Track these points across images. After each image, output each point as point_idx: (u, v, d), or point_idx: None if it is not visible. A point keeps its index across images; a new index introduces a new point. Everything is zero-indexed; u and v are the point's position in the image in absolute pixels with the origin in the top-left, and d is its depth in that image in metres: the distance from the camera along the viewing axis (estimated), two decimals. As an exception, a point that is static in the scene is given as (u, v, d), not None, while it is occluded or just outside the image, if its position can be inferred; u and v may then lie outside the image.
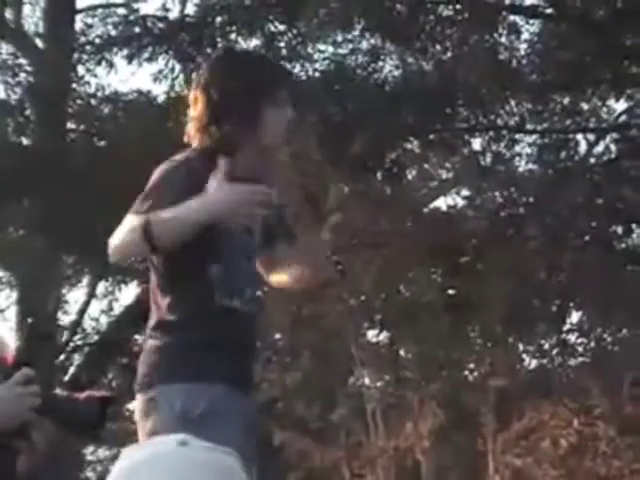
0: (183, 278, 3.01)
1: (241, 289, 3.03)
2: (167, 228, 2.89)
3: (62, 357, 13.11)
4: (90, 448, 15.41)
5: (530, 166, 11.26)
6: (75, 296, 14.24)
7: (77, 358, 13.50)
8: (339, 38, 11.23)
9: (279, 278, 3.23)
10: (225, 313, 2.98)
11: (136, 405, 2.97)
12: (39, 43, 12.90)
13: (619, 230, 10.60)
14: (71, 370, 13.04)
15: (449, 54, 10.69)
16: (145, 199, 2.98)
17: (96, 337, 13.90)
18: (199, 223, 2.89)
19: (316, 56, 11.31)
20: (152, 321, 3.02)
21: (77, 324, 13.97)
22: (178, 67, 11.14)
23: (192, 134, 3.07)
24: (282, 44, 11.08)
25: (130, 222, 2.96)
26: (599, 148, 11.55)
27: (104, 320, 14.11)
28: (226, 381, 2.91)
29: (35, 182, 10.73)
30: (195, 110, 3.05)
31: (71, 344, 13.58)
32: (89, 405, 2.64)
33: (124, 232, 2.96)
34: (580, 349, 9.84)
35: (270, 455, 8.24)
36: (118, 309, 13.85)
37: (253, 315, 3.09)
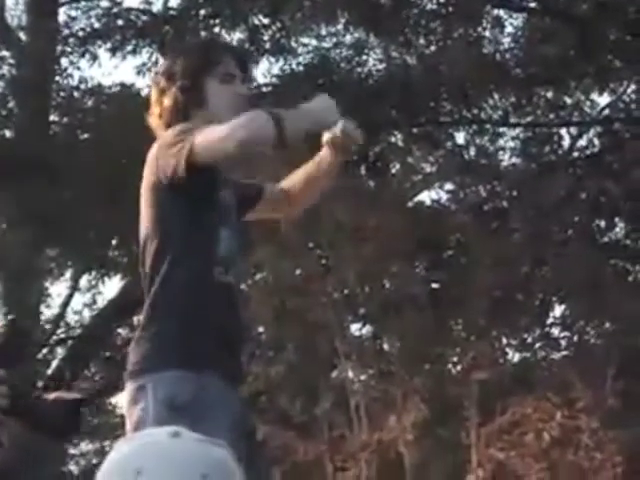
0: (192, 246, 2.95)
1: (234, 262, 3.01)
2: (295, 120, 2.87)
3: (45, 350, 13.08)
4: (73, 442, 15.39)
5: (514, 160, 11.29)
6: (58, 289, 14.23)
7: (60, 352, 13.48)
8: (323, 31, 11.23)
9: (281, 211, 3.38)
10: (221, 288, 2.97)
11: (125, 394, 2.95)
12: (22, 36, 12.85)
13: (602, 224, 10.63)
14: (54, 363, 13.02)
15: (433, 48, 10.70)
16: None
17: (79, 331, 13.88)
18: (317, 125, 2.96)
19: (300, 49, 11.30)
20: (144, 306, 2.98)
21: (60, 317, 13.95)
22: (161, 60, 11.10)
23: (151, 122, 3.14)
24: (266, 37, 11.06)
25: (248, 114, 2.84)
26: (582, 142, 11.59)
27: (87, 314, 14.10)
28: (215, 369, 2.90)
29: (18, 174, 10.69)
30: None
31: (54, 337, 13.56)
32: (57, 407, 2.61)
33: (249, 118, 2.81)
34: (563, 343, 9.87)
35: (256, 449, 8.24)
36: (101, 303, 13.84)
37: (240, 291, 3.09)
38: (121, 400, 2.99)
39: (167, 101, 3.07)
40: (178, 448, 1.54)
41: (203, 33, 10.84)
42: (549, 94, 11.37)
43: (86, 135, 11.94)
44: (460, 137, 11.40)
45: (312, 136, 3.04)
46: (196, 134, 2.85)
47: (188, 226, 2.92)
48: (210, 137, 2.83)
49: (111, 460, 1.59)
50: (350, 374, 9.23)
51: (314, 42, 11.34)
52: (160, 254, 2.95)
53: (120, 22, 11.19)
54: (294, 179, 3.34)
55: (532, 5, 11.24)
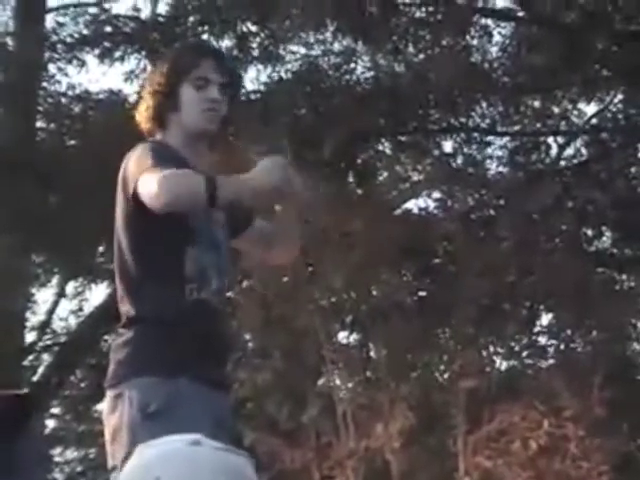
0: (156, 263, 2.96)
1: (208, 279, 3.01)
2: (230, 185, 2.87)
3: (31, 357, 13.03)
4: (58, 449, 15.33)
5: (501, 168, 11.30)
6: (44, 296, 14.16)
7: (46, 358, 13.43)
8: (311, 39, 11.23)
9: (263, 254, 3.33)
10: (193, 305, 2.97)
11: (104, 403, 2.96)
12: (9, 41, 12.82)
13: (589, 232, 10.65)
14: (40, 370, 12.97)
15: (421, 56, 10.71)
16: (155, 159, 2.89)
17: (65, 337, 13.83)
18: (258, 190, 2.90)
19: (288, 57, 11.29)
20: (120, 318, 3.01)
21: (46, 324, 13.90)
22: (149, 67, 11.10)
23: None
24: (254, 44, 11.05)
25: (180, 174, 2.84)
26: (570, 151, 11.61)
27: (73, 320, 14.05)
28: (190, 375, 2.89)
29: (4, 181, 10.65)
30: None
31: (40, 344, 13.51)
32: None
33: (178, 180, 2.82)
34: (550, 351, 9.88)
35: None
36: (88, 309, 13.80)
37: (219, 307, 3.08)
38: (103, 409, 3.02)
39: (143, 106, 3.11)
40: (197, 456, 1.54)
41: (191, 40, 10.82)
42: (536, 103, 11.40)
43: (73, 141, 11.91)
44: (448, 145, 11.42)
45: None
46: (143, 174, 2.86)
47: (153, 245, 2.93)
48: (145, 190, 2.85)
49: (131, 467, 1.58)
50: (337, 381, 9.23)
51: (302, 50, 11.34)
52: (129, 270, 2.97)
53: (108, 29, 11.17)
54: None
55: (520, 14, 11.26)
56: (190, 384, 2.87)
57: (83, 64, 11.60)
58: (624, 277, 10.86)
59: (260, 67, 11.18)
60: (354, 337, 9.87)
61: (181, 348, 2.90)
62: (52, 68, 12.12)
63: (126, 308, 2.98)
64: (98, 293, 19.16)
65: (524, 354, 9.87)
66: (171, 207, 2.82)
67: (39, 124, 12.39)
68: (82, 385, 14.24)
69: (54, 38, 11.97)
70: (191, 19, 10.95)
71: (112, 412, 2.89)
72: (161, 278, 2.95)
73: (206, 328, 2.97)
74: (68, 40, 11.69)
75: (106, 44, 11.04)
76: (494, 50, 10.96)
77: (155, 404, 2.81)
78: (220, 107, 3.09)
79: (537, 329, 10.06)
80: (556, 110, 11.56)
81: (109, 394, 2.93)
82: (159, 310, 2.93)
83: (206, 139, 3.11)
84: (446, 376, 9.21)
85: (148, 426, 2.72)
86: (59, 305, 14.21)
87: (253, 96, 10.62)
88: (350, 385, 9.43)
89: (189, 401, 2.84)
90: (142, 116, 3.11)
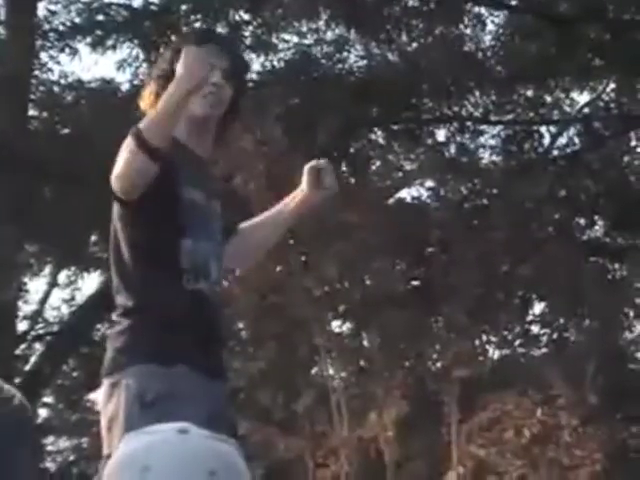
0: (152, 256, 2.96)
1: (207, 270, 3.01)
2: (157, 123, 2.84)
3: (23, 346, 13.01)
4: (50, 439, 15.34)
5: (494, 157, 11.31)
6: (36, 285, 14.16)
7: (38, 348, 13.42)
8: (304, 28, 11.22)
9: None
10: (191, 295, 2.97)
11: (101, 390, 2.95)
12: (1, 30, 12.77)
13: (582, 222, 10.67)
14: (32, 359, 12.96)
15: (414, 45, 10.71)
16: None
17: (57, 327, 13.82)
18: (179, 103, 2.88)
19: (281, 45, 11.28)
20: (116, 308, 3.00)
21: (38, 313, 13.89)
22: (142, 55, 11.09)
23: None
24: (247, 33, 11.04)
25: (118, 162, 2.86)
26: (562, 140, 11.63)
27: (66, 309, 14.05)
28: (188, 363, 2.89)
29: (-4, 170, 10.62)
30: None
31: (32, 333, 13.50)
32: None
33: (120, 160, 2.85)
34: (543, 340, 9.91)
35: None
36: (80, 298, 13.79)
37: (217, 296, 3.08)
38: (98, 397, 3.00)
39: (147, 92, 3.10)
40: (186, 445, 1.54)
41: (184, 29, 10.81)
42: (529, 92, 11.41)
43: (66, 130, 11.89)
44: (441, 134, 11.43)
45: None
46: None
47: (148, 236, 2.92)
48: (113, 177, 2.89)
49: (119, 456, 1.57)
50: (330, 371, 9.23)
51: (295, 38, 11.33)
52: (126, 261, 2.96)
53: (100, 17, 11.16)
54: (254, 228, 3.30)
55: (513, 3, 11.27)
56: (188, 372, 2.88)
57: (75, 52, 11.59)
58: (616, 266, 10.89)
59: (253, 55, 11.18)
60: (347, 326, 9.88)
61: (178, 337, 2.90)
62: (44, 56, 12.10)
63: (123, 298, 2.97)
64: (90, 282, 19.15)
65: (517, 343, 9.89)
66: (125, 190, 2.87)
67: (31, 112, 12.36)
68: (74, 374, 14.25)
69: (46, 26, 11.94)
70: (183, 7, 10.93)
71: (109, 400, 2.89)
72: (158, 269, 2.95)
73: (203, 318, 2.97)
74: (60, 28, 11.67)
75: (98, 32, 11.03)
76: (487, 39, 10.98)
77: (152, 393, 2.81)
78: (222, 92, 3.08)
79: (530, 318, 10.09)
80: (549, 99, 11.57)
81: (106, 382, 2.93)
82: (156, 300, 2.93)
83: (210, 125, 3.10)
84: (439, 365, 9.23)
85: (145, 415, 2.72)
86: (51, 294, 14.21)
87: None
88: (344, 374, 9.44)
89: (186, 390, 2.84)
90: (146, 102, 3.10)
